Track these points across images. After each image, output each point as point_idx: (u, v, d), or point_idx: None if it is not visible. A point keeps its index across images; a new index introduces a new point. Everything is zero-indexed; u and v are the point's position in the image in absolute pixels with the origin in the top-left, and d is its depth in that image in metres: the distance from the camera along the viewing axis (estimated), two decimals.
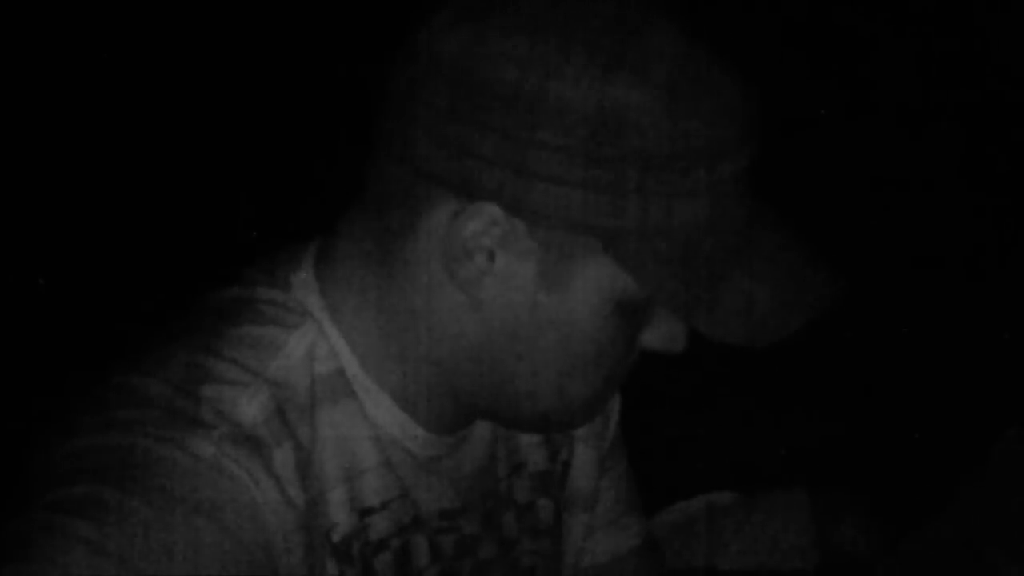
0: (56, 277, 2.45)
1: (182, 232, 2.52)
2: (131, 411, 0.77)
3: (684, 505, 1.46)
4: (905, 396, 2.30)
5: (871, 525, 1.40)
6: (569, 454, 1.02)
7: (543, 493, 1.00)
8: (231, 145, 2.59)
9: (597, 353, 0.82)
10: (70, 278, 2.45)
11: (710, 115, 0.77)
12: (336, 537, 0.83)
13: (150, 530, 0.73)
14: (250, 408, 0.79)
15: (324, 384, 0.83)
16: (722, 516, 1.41)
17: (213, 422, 0.77)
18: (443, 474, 0.90)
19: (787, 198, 0.85)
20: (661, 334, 0.86)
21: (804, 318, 0.81)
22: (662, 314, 0.85)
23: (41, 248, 2.48)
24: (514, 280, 0.80)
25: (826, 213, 0.84)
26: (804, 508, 1.38)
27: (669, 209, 0.77)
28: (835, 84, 2.62)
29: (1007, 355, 2.31)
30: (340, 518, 0.84)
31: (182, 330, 0.84)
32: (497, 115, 0.75)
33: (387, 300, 0.84)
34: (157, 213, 2.54)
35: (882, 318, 2.29)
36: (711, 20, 0.81)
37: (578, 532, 1.06)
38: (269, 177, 2.56)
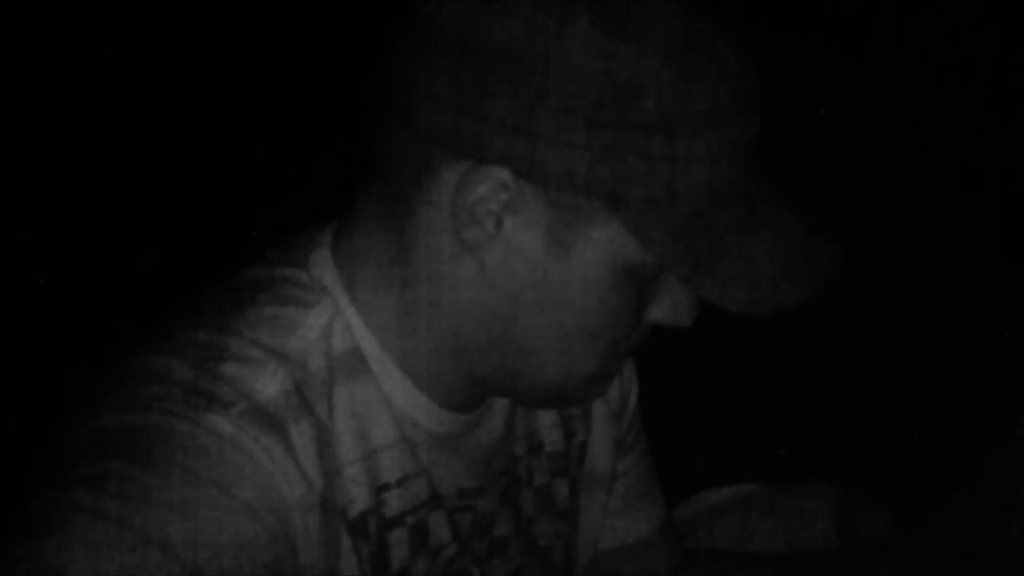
0: (56, 277, 2.45)
1: (182, 232, 2.52)
2: (151, 390, 0.78)
3: (708, 494, 1.47)
4: (904, 396, 2.30)
5: (893, 512, 1.40)
6: (586, 434, 1.03)
7: (560, 474, 1.01)
8: (231, 144, 2.59)
9: (602, 322, 0.83)
10: (70, 278, 2.45)
11: (711, 81, 0.78)
12: (352, 514, 0.84)
13: (171, 505, 0.74)
14: (268, 386, 0.80)
15: (341, 361, 0.84)
16: (748, 504, 1.42)
17: (232, 400, 0.78)
18: (461, 452, 0.91)
19: (782, 183, 0.85)
20: (668, 307, 0.86)
21: (807, 289, 0.82)
22: (669, 287, 0.85)
23: (41, 248, 2.48)
24: (521, 245, 0.80)
25: (826, 213, 0.84)
26: (827, 500, 1.38)
27: (674, 174, 0.77)
28: (835, 84, 2.62)
29: (1007, 355, 2.32)
30: (356, 495, 0.84)
31: (201, 310, 0.85)
32: (503, 78, 0.76)
33: (400, 270, 0.84)
34: (156, 213, 2.54)
35: (881, 318, 2.29)
36: (713, 7, 0.81)
37: (596, 513, 1.06)
38: (269, 177, 2.57)
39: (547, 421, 0.99)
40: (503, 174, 0.77)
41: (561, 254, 0.80)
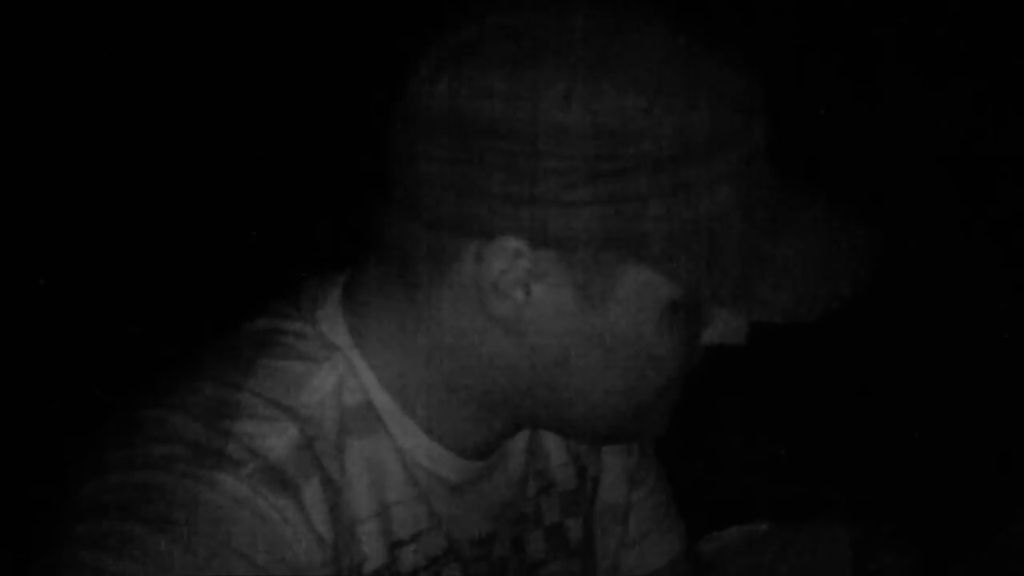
0: (56, 277, 2.45)
1: (181, 232, 2.52)
2: (160, 447, 0.77)
3: (720, 534, 1.45)
4: (904, 396, 2.30)
5: (912, 558, 1.38)
6: (598, 469, 1.02)
7: (572, 514, 0.99)
8: (230, 144, 2.59)
9: (656, 358, 0.81)
10: (70, 278, 2.45)
11: (707, 105, 0.76)
12: (367, 570, 0.83)
13: (180, 567, 0.72)
14: (279, 443, 0.79)
15: (353, 417, 0.83)
16: (761, 544, 1.40)
17: (242, 459, 0.77)
18: (476, 499, 0.90)
19: (805, 180, 0.84)
20: (722, 329, 0.85)
21: (854, 280, 0.81)
22: (720, 310, 0.84)
23: (41, 248, 2.48)
24: (555, 306, 0.79)
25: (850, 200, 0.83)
26: (843, 541, 1.37)
27: (688, 204, 0.76)
28: (835, 84, 2.62)
29: (1007, 355, 2.31)
30: (371, 551, 0.83)
31: (208, 363, 0.84)
32: (495, 153, 0.75)
33: (420, 345, 0.83)
34: (156, 213, 2.54)
35: (881, 318, 2.29)
36: (704, 15, 0.80)
37: (613, 547, 1.05)
38: (268, 176, 2.56)
39: (558, 460, 0.98)
40: (516, 244, 0.76)
41: (597, 307, 0.79)
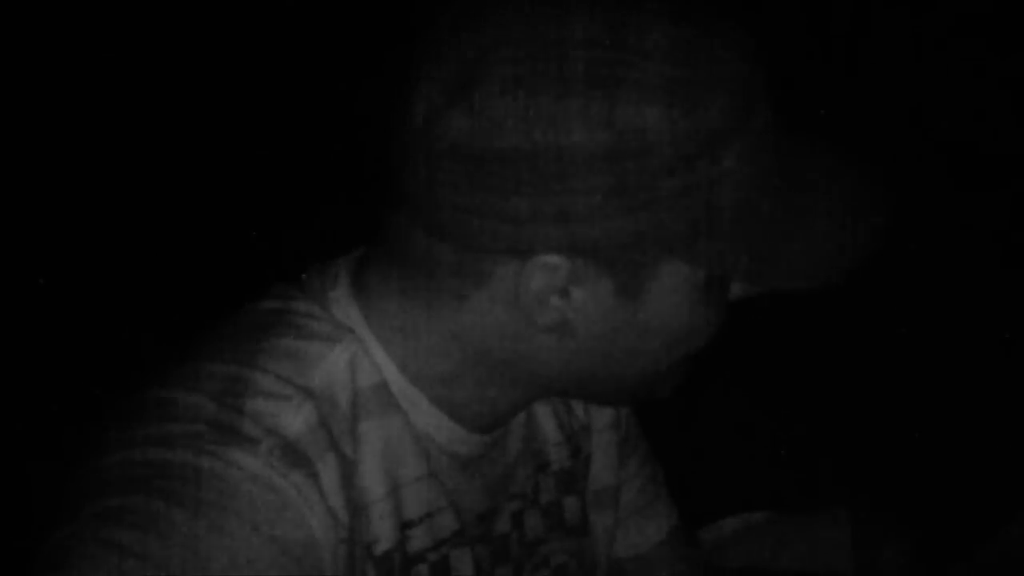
0: (56, 277, 2.45)
1: (181, 232, 2.52)
2: (175, 425, 0.77)
3: (719, 524, 1.45)
4: (905, 395, 2.30)
5: (914, 549, 1.38)
6: (589, 447, 1.03)
7: (569, 491, 1.00)
8: (229, 144, 2.59)
9: (690, 333, 0.84)
10: (70, 278, 2.45)
11: (720, 98, 0.76)
12: (378, 550, 0.84)
13: (198, 542, 0.73)
14: (294, 421, 0.79)
15: (367, 397, 0.84)
16: (761, 533, 1.40)
17: (258, 436, 0.77)
18: (481, 473, 0.91)
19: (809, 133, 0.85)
20: (742, 285, 0.87)
21: (873, 233, 0.83)
22: None
23: (41, 248, 2.48)
24: (595, 306, 0.80)
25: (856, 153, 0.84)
26: (844, 528, 1.36)
27: (710, 194, 0.77)
28: (835, 83, 2.62)
29: (1007, 355, 2.31)
30: (382, 531, 0.84)
31: (219, 342, 0.84)
32: (519, 178, 0.75)
33: (444, 339, 0.84)
34: (155, 212, 2.54)
35: (880, 318, 2.29)
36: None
37: (607, 527, 1.05)
38: (267, 177, 2.56)
39: (552, 439, 0.99)
40: (554, 259, 0.78)
41: (635, 301, 0.81)
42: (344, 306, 0.86)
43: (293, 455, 0.78)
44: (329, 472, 0.80)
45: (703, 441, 2.10)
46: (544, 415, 0.98)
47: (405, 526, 0.85)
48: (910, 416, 2.22)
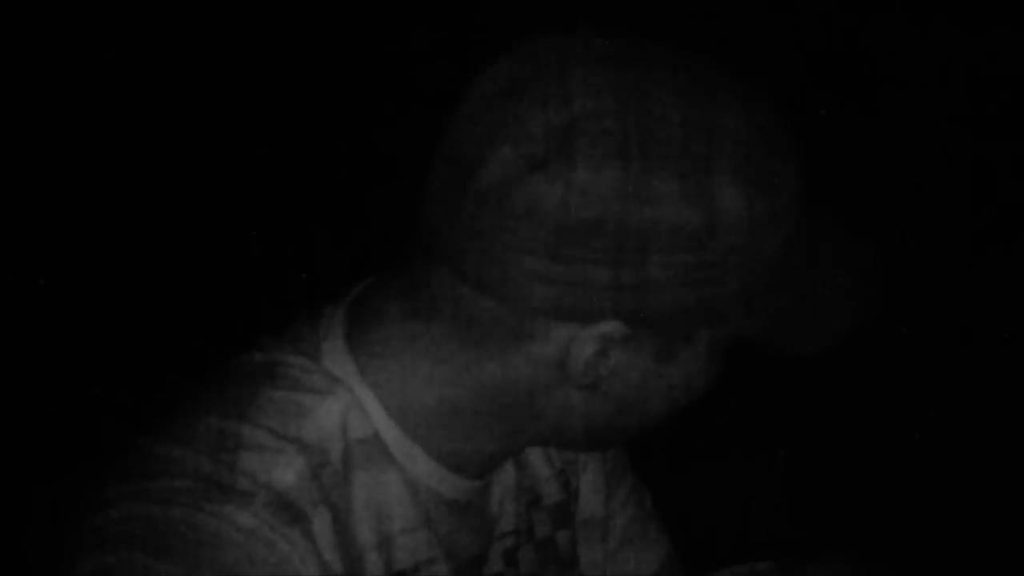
0: (56, 277, 2.45)
1: (181, 232, 2.52)
2: (166, 481, 0.77)
3: (720, 573, 1.45)
4: (904, 397, 2.30)
5: None
6: (577, 480, 1.03)
7: (561, 525, 1.00)
8: (230, 145, 2.59)
9: (698, 388, 0.86)
10: (70, 278, 2.45)
11: (788, 185, 0.80)
12: None
13: None
14: (287, 474, 0.79)
15: (359, 449, 0.83)
16: None
17: (253, 490, 0.77)
18: (472, 517, 0.90)
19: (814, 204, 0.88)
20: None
21: (871, 307, 0.86)
22: None
23: (41, 248, 2.48)
24: (633, 368, 0.82)
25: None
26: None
27: (762, 270, 0.80)
28: (835, 83, 2.63)
29: (1007, 355, 2.32)
30: None
31: (210, 395, 0.84)
32: (603, 249, 0.76)
33: (453, 391, 0.84)
34: (155, 213, 2.54)
35: (881, 320, 2.29)
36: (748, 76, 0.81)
37: (596, 561, 1.05)
38: (268, 178, 2.57)
39: (543, 474, 0.99)
40: (615, 327, 0.78)
41: (666, 364, 0.82)
42: (337, 357, 0.85)
43: (287, 509, 0.78)
44: (322, 525, 0.80)
45: (706, 489, 2.11)
46: (532, 450, 0.98)
47: None
48: (913, 465, 2.22)
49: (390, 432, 0.84)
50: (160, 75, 2.60)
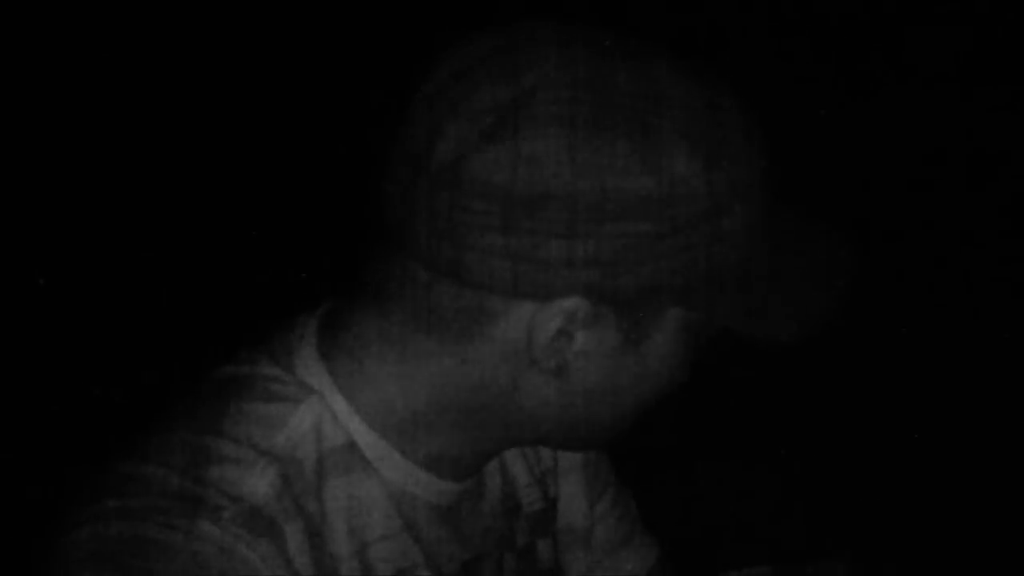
0: (56, 277, 2.45)
1: (180, 231, 2.52)
2: (135, 500, 0.77)
3: None
4: (904, 396, 2.30)
5: None
6: (556, 488, 1.02)
7: (541, 534, 0.99)
8: (229, 144, 2.59)
9: (673, 378, 0.84)
10: (70, 278, 2.45)
11: (747, 156, 0.79)
12: None
13: None
14: (259, 485, 0.79)
15: (333, 458, 0.83)
16: None
17: (221, 504, 0.77)
18: (461, 522, 0.90)
19: (786, 198, 0.87)
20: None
21: (843, 293, 0.84)
22: None
23: (41, 248, 2.48)
24: (599, 351, 0.80)
25: (825, 213, 0.85)
26: None
27: (729, 248, 0.78)
28: (835, 84, 2.63)
29: (1007, 355, 2.32)
30: None
31: (180, 411, 0.83)
32: (556, 220, 0.75)
33: (426, 388, 0.83)
34: (155, 213, 2.54)
35: (880, 318, 2.29)
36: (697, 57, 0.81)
37: (580, 570, 1.05)
38: (268, 177, 2.57)
39: (523, 481, 0.98)
40: (576, 303, 0.77)
41: (635, 347, 0.81)
42: (309, 366, 0.84)
43: (259, 521, 0.77)
44: (295, 535, 0.79)
45: (703, 495, 2.11)
46: (513, 457, 0.97)
47: None
48: (913, 465, 2.22)
49: (366, 438, 0.84)
50: (160, 75, 2.60)
